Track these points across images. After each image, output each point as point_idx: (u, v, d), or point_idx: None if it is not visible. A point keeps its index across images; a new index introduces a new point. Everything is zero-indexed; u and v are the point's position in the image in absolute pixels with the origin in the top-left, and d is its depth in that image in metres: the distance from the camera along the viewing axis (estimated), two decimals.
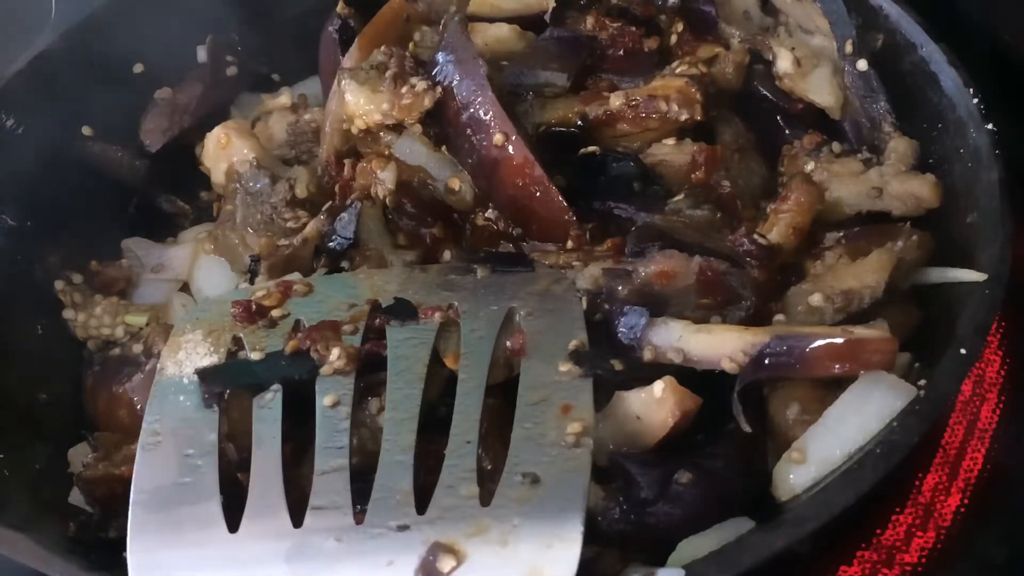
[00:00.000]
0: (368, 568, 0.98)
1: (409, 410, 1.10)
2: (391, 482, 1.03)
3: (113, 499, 1.18)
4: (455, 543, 0.97)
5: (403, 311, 1.20)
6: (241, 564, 1.00)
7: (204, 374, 1.17)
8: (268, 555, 1.00)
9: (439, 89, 1.33)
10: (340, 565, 0.99)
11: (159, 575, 1.01)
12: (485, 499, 1.01)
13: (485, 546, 0.97)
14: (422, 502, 1.01)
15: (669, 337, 1.17)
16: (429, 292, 1.22)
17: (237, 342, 1.20)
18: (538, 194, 1.32)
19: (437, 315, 1.19)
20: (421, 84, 1.33)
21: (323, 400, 1.12)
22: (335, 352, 1.15)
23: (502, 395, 1.14)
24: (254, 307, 1.22)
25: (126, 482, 1.11)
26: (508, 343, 1.16)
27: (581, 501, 1.00)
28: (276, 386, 1.14)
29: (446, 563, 0.96)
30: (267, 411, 1.13)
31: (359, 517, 1.01)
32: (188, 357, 1.20)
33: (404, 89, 1.33)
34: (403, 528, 0.99)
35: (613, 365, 1.16)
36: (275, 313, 1.22)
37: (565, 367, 1.11)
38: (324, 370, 1.15)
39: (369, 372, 1.16)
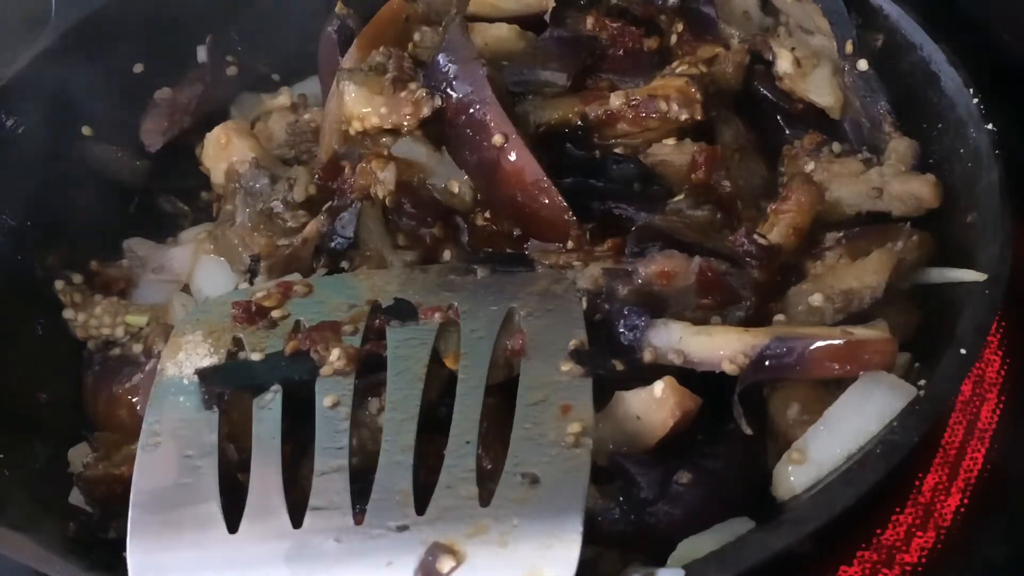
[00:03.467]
0: (367, 569, 0.98)
1: (409, 410, 1.10)
2: (391, 482, 1.03)
3: (113, 499, 1.18)
4: (454, 543, 0.97)
5: (403, 311, 1.20)
6: (241, 565, 1.00)
7: (204, 375, 1.17)
8: (268, 556, 1.00)
9: (438, 99, 1.33)
10: (340, 566, 0.98)
11: None
12: (485, 499, 1.01)
13: (484, 546, 0.97)
14: (422, 502, 1.01)
15: (669, 339, 1.17)
16: (429, 292, 1.22)
17: (237, 343, 1.20)
18: (538, 194, 1.31)
19: (437, 315, 1.19)
20: (420, 92, 1.33)
21: (323, 401, 1.12)
22: (335, 353, 1.15)
23: (501, 395, 1.14)
24: (254, 308, 1.22)
25: (126, 482, 1.11)
26: (508, 343, 1.16)
27: (580, 501, 0.99)
28: (276, 387, 1.14)
29: (445, 563, 0.96)
30: (267, 412, 1.12)
31: (359, 518, 1.01)
32: (188, 358, 1.20)
33: (403, 94, 1.33)
34: (402, 528, 0.99)
35: (614, 365, 1.16)
36: (275, 314, 1.22)
37: (566, 367, 1.11)
38: (324, 371, 1.14)
39: (369, 372, 1.16)
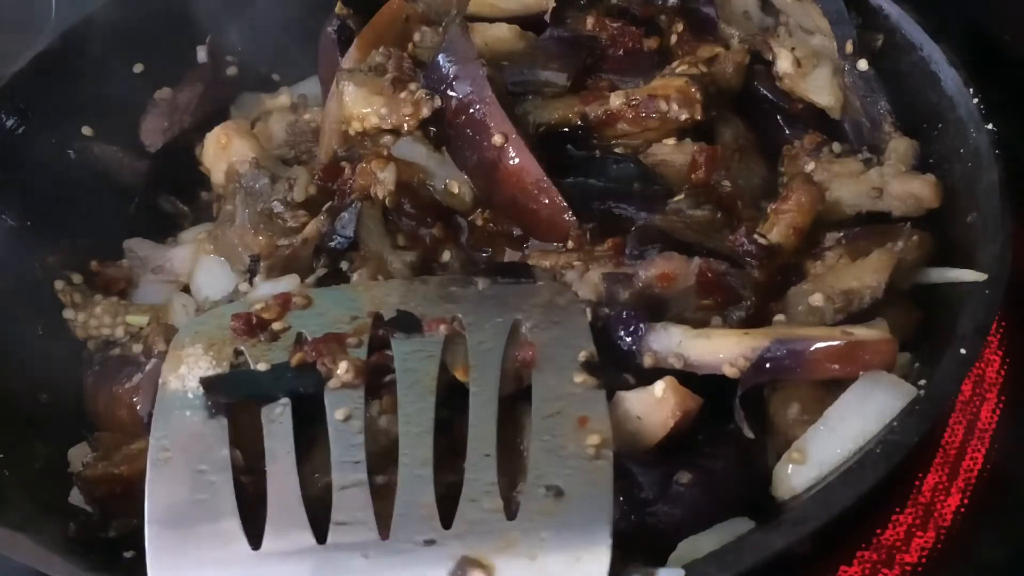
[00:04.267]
0: None
1: (424, 423, 1.09)
2: (413, 496, 1.02)
3: (113, 499, 1.18)
4: (483, 557, 0.97)
5: (407, 324, 1.18)
6: None
7: (209, 384, 1.15)
8: (294, 573, 0.99)
9: (437, 99, 1.33)
10: None
11: None
12: (510, 512, 1.00)
13: (514, 560, 0.97)
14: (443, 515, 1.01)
15: (669, 343, 1.17)
16: (431, 304, 1.21)
17: (238, 355, 1.19)
18: (538, 194, 1.31)
19: (442, 327, 1.17)
20: (420, 92, 1.33)
21: (335, 414, 1.10)
22: (343, 366, 1.13)
23: (501, 408, 1.12)
24: (254, 320, 1.20)
25: (126, 482, 1.11)
26: (518, 354, 1.15)
27: (607, 512, 1.00)
28: (285, 400, 1.13)
29: None
30: (278, 426, 1.11)
31: (384, 532, 1.00)
32: (190, 371, 1.18)
33: (403, 95, 1.33)
34: (430, 543, 0.99)
35: (627, 379, 1.16)
36: (276, 326, 1.20)
37: (579, 378, 1.11)
38: (332, 383, 1.13)
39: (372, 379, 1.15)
